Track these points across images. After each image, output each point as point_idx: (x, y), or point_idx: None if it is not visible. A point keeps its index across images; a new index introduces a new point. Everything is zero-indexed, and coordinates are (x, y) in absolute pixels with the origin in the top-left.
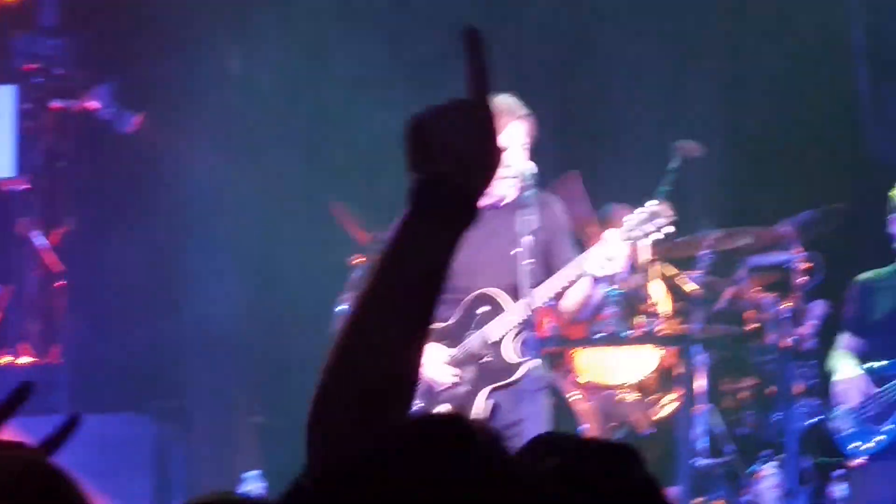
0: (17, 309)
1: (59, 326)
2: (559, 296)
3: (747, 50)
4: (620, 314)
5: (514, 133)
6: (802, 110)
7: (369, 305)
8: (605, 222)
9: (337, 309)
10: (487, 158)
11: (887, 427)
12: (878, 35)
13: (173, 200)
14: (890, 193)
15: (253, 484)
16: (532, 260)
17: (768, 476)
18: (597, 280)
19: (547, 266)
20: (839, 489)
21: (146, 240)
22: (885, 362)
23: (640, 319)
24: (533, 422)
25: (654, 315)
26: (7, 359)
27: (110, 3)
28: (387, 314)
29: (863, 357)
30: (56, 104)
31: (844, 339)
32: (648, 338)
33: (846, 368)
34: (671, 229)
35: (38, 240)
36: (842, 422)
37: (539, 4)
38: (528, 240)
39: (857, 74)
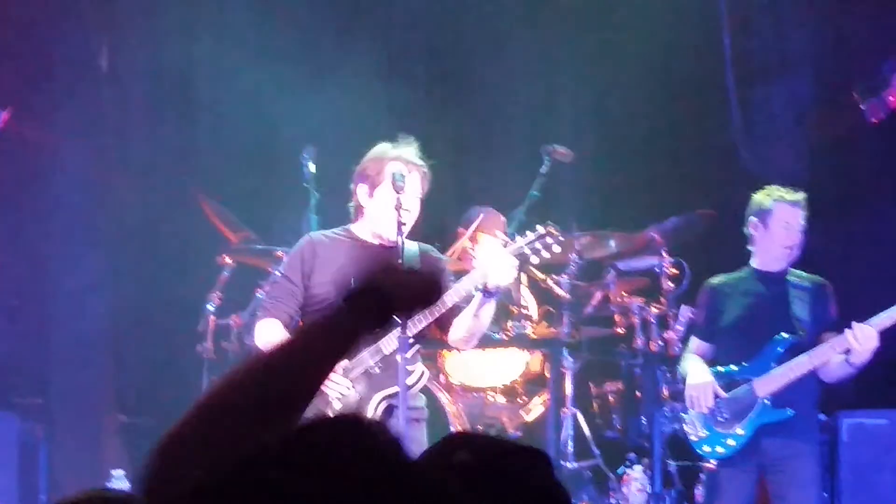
0: None
1: None
2: (445, 329)
3: (618, 54)
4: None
5: (414, 183)
6: (672, 116)
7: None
8: (469, 225)
9: (206, 306)
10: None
11: (737, 432)
12: (747, 41)
13: (42, 197)
14: (754, 197)
15: (118, 484)
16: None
17: (635, 479)
18: (487, 297)
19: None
20: (703, 492)
21: (14, 236)
22: (734, 367)
23: (510, 323)
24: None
25: (524, 318)
26: None
27: None
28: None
29: (712, 361)
30: None
31: (695, 344)
32: (517, 341)
33: (696, 372)
34: (559, 249)
35: None
36: (693, 426)
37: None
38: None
39: (727, 81)
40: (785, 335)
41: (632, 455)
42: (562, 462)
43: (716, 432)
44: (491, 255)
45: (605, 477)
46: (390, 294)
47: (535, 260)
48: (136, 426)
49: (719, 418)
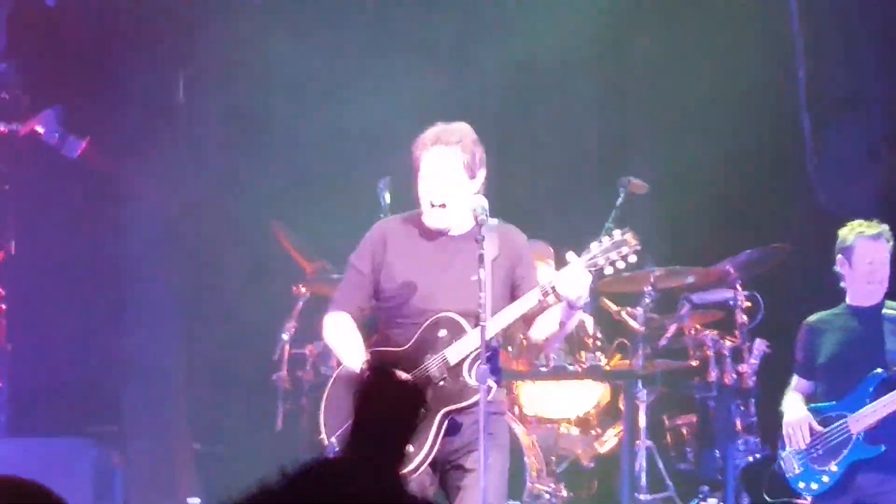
0: None
1: None
2: (528, 324)
3: (694, 88)
4: (564, 348)
5: (434, 162)
6: (747, 151)
7: None
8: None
9: (281, 336)
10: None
11: (831, 469)
12: (820, 79)
13: (117, 226)
14: (839, 232)
15: None
16: (490, 286)
17: None
18: (571, 308)
19: (509, 294)
20: None
21: (89, 264)
22: (829, 403)
23: (584, 354)
24: (493, 444)
25: (598, 350)
26: None
27: (56, 28)
28: None
29: (811, 399)
30: (1, 127)
31: (794, 381)
32: (592, 372)
33: (793, 409)
34: (634, 259)
35: None
36: (789, 462)
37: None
38: (487, 266)
39: (801, 117)
40: (879, 371)
41: (705, 488)
42: (636, 494)
43: (811, 468)
44: (564, 269)
45: None
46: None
47: (609, 271)
48: (211, 454)
49: (814, 454)
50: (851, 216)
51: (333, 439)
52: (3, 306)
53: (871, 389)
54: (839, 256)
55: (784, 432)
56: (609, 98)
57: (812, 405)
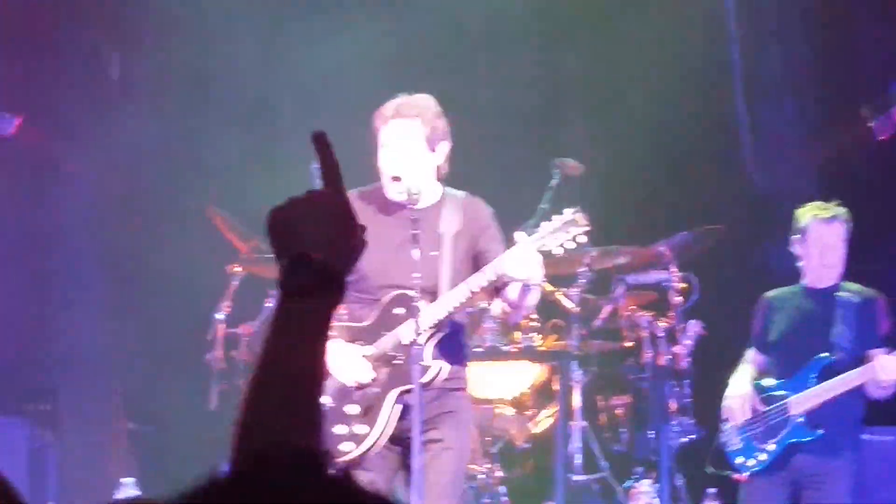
0: None
1: None
2: (492, 298)
3: (627, 70)
4: (498, 329)
5: (393, 135)
6: (681, 132)
7: (259, 397)
8: None
9: (215, 315)
10: (347, 242)
11: (769, 447)
12: (755, 62)
13: (51, 205)
14: (795, 213)
15: (128, 491)
16: (451, 261)
17: (642, 493)
18: (525, 286)
19: (473, 269)
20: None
21: (24, 244)
22: (774, 381)
23: (518, 335)
24: (453, 419)
25: (532, 331)
26: None
27: None
28: (275, 405)
29: (764, 373)
30: None
31: (750, 354)
32: (526, 353)
33: (737, 383)
34: (584, 240)
35: None
36: (730, 436)
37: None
38: (449, 241)
39: (736, 100)
40: (825, 355)
41: (639, 469)
42: (570, 475)
43: (751, 445)
44: (512, 249)
45: (612, 490)
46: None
47: (558, 251)
48: (145, 434)
49: (755, 431)
50: (786, 198)
51: None
52: None
53: (814, 373)
54: (795, 237)
55: (724, 405)
56: (544, 79)
57: (757, 382)
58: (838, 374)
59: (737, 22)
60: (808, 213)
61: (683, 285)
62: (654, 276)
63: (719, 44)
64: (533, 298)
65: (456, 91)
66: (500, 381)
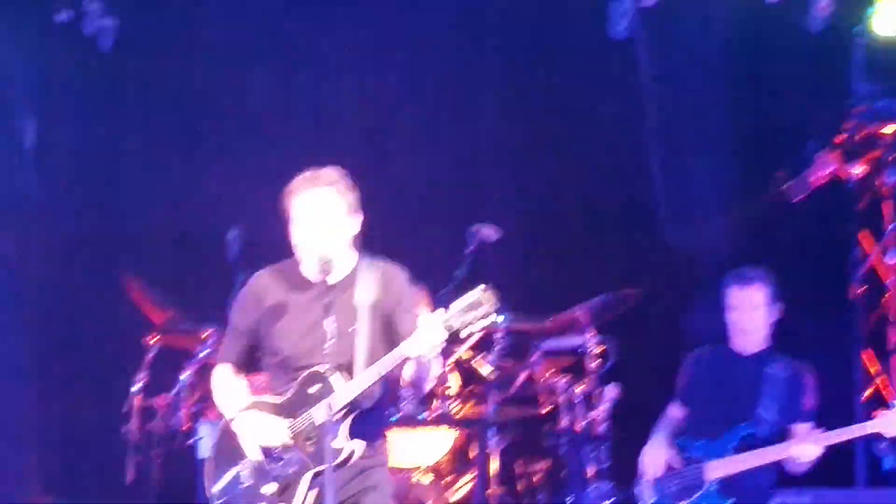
0: None
1: None
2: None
3: (540, 132)
4: (419, 397)
5: (304, 208)
6: (596, 194)
7: None
8: None
9: (132, 389)
10: None
11: None
12: (669, 121)
13: None
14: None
15: None
16: (368, 335)
17: None
18: (420, 363)
19: (391, 338)
20: None
21: None
22: (694, 442)
23: (435, 402)
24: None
25: (449, 397)
26: None
27: None
28: None
29: (683, 429)
30: None
31: (673, 409)
32: (443, 419)
33: (655, 441)
34: (491, 320)
35: None
36: (643, 492)
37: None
38: (365, 314)
39: (650, 159)
40: (745, 425)
41: None
42: None
43: (665, 502)
44: (419, 332)
45: None
46: None
47: (465, 332)
48: None
49: (670, 489)
50: (703, 257)
51: (215, 490)
52: None
53: (734, 442)
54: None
55: (641, 459)
56: (458, 143)
57: (680, 440)
58: (757, 445)
59: (651, 81)
60: (728, 279)
61: (601, 349)
62: (571, 340)
63: (634, 103)
64: (434, 371)
65: (370, 157)
66: (417, 448)
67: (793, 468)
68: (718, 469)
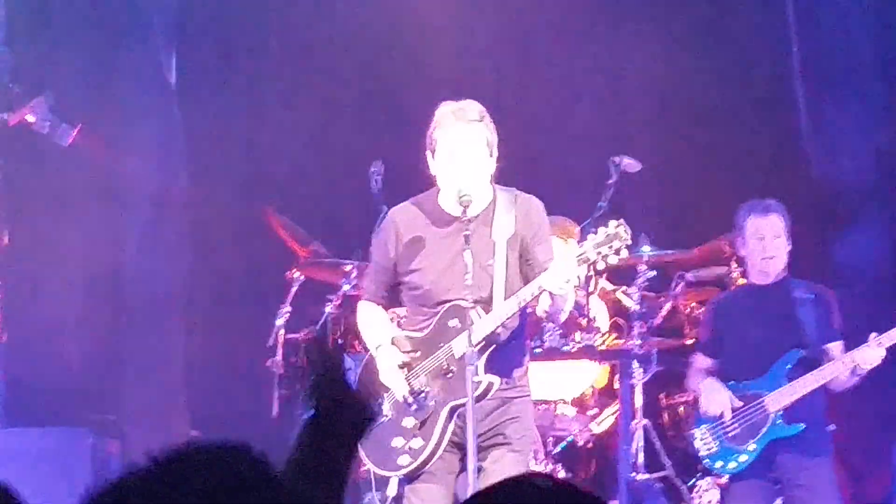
0: None
1: None
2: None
3: (686, 63)
4: (560, 329)
5: (456, 142)
6: (741, 124)
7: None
8: None
9: (276, 322)
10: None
11: (749, 448)
12: (816, 51)
13: (112, 213)
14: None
15: None
16: (504, 267)
17: (706, 490)
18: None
19: (528, 271)
20: None
21: (86, 252)
22: (744, 382)
23: (579, 334)
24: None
25: (593, 330)
26: None
27: (48, 16)
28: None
29: (722, 374)
30: None
31: (698, 360)
32: (587, 352)
33: (711, 385)
34: (626, 254)
35: None
36: (704, 441)
37: (475, 17)
38: (502, 248)
39: (796, 90)
40: (795, 350)
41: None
42: (633, 474)
43: (727, 447)
44: (556, 263)
45: (676, 489)
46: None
47: (600, 265)
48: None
49: (731, 433)
50: (847, 188)
51: None
52: None
53: (788, 368)
54: (736, 238)
55: (703, 409)
56: (603, 74)
57: (729, 383)
58: (809, 368)
59: (795, 10)
60: (744, 209)
61: (743, 280)
62: (714, 270)
63: (780, 34)
64: (568, 303)
65: (511, 89)
66: (560, 381)
67: (843, 387)
68: (780, 399)
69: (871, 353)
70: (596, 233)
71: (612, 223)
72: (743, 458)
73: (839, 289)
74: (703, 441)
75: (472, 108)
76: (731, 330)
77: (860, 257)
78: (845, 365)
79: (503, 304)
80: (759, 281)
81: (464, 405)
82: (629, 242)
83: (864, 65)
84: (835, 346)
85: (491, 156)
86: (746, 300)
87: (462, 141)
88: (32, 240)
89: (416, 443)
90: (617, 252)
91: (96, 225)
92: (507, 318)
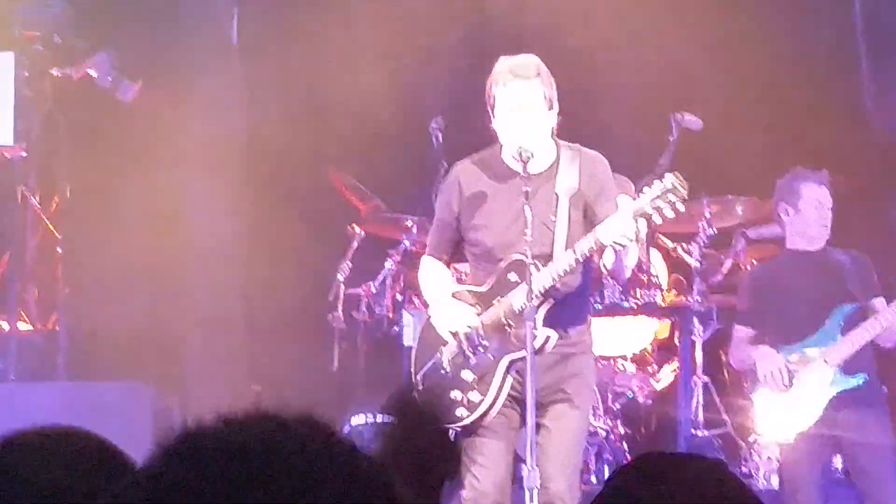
0: (15, 275)
1: (57, 293)
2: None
3: (747, 21)
4: (620, 285)
5: (515, 96)
6: (804, 84)
7: None
8: None
9: (338, 277)
10: None
11: (811, 406)
12: (877, 9)
13: (174, 167)
14: (778, 181)
15: None
16: (567, 224)
17: (765, 448)
18: (616, 252)
19: (591, 228)
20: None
21: (143, 209)
22: (797, 343)
23: (639, 291)
24: (578, 380)
25: (654, 287)
26: (5, 325)
27: None
28: None
29: (770, 341)
30: (55, 71)
31: (738, 332)
32: (647, 309)
33: (764, 353)
34: (682, 208)
35: (37, 206)
36: (765, 404)
37: None
38: (565, 205)
39: (858, 48)
40: (842, 307)
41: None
42: (693, 430)
43: (787, 410)
44: (613, 217)
45: (736, 445)
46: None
47: (657, 219)
48: (270, 396)
49: (791, 395)
50: None
51: (419, 377)
52: (60, 250)
53: (840, 323)
54: (782, 204)
55: (761, 376)
56: (660, 28)
57: (782, 347)
58: (859, 322)
59: None
60: (799, 177)
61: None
62: (774, 228)
63: None
64: (631, 259)
65: (572, 46)
66: (621, 337)
67: (890, 339)
68: (838, 353)
69: None
70: (651, 188)
71: (669, 176)
72: (804, 418)
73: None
74: (764, 406)
75: (529, 62)
76: (777, 297)
77: None
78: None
79: (561, 257)
80: (806, 247)
81: (522, 359)
82: (685, 196)
83: None
84: (879, 302)
85: (550, 109)
86: (791, 266)
87: (519, 97)
88: (94, 195)
89: (474, 396)
90: (673, 206)
91: (158, 181)
92: (566, 271)
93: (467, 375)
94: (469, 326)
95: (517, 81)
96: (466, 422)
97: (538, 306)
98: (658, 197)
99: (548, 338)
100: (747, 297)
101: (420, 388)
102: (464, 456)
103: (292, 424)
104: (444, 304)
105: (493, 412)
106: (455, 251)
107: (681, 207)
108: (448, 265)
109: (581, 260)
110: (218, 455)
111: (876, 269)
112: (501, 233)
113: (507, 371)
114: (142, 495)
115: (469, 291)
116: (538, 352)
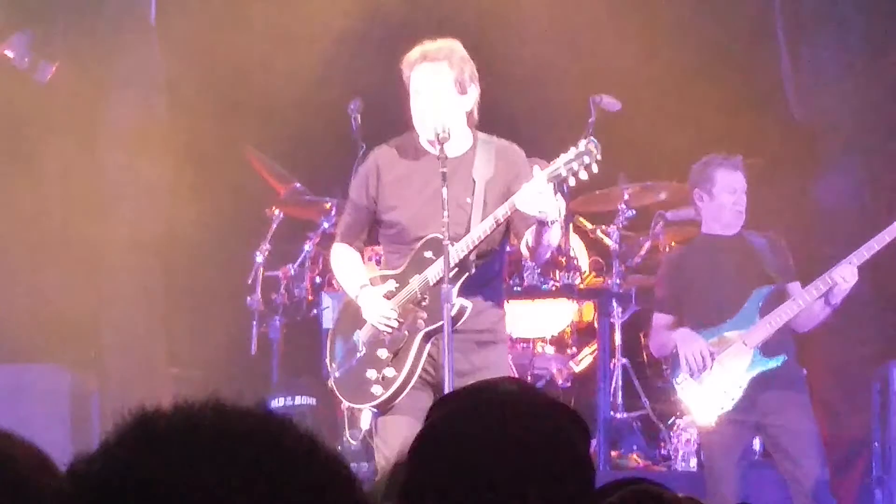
0: None
1: None
2: (518, 238)
3: (667, 4)
4: (539, 267)
5: (422, 79)
6: (721, 66)
7: None
8: None
9: (256, 259)
10: None
11: (733, 388)
12: None
13: (89, 149)
14: (693, 167)
15: None
16: (482, 206)
17: (684, 429)
18: (542, 224)
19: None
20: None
21: (59, 187)
22: (717, 326)
23: (558, 273)
24: (494, 373)
25: (573, 269)
26: None
27: None
28: None
29: (689, 324)
30: None
31: (658, 319)
32: (566, 291)
33: (685, 336)
34: (596, 169)
35: None
36: (687, 388)
37: None
38: (481, 187)
39: (777, 30)
40: (760, 289)
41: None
42: (612, 412)
43: (709, 392)
44: (528, 183)
45: (655, 427)
46: None
47: (572, 181)
48: (188, 379)
49: (713, 377)
50: (828, 130)
51: (334, 365)
52: None
53: (759, 305)
54: (698, 189)
55: (683, 361)
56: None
57: (701, 331)
58: (777, 303)
59: None
60: (713, 164)
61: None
62: (694, 211)
63: None
64: (553, 237)
65: (493, 32)
66: (540, 319)
67: (814, 319)
68: (757, 335)
69: (846, 270)
70: (566, 153)
71: (583, 141)
72: (725, 400)
73: (819, 232)
74: (685, 388)
75: (442, 46)
76: (694, 282)
77: (839, 201)
78: (820, 288)
79: (478, 226)
80: (722, 232)
81: (437, 331)
82: (599, 158)
83: (845, 8)
84: (794, 286)
85: (462, 94)
86: (707, 251)
87: (427, 79)
88: (7, 174)
89: (389, 372)
90: (587, 168)
91: (75, 161)
92: (480, 238)
93: (382, 353)
94: (384, 317)
95: (425, 64)
96: (382, 399)
97: (454, 279)
98: (573, 160)
99: (463, 307)
100: (665, 285)
101: (336, 372)
102: (375, 436)
103: (244, 410)
104: (366, 292)
105: (409, 387)
106: (367, 236)
107: (595, 169)
108: (361, 251)
109: (495, 226)
110: (172, 436)
111: (799, 247)
112: (416, 213)
113: (423, 344)
114: (96, 471)
115: (384, 276)
116: (454, 321)
